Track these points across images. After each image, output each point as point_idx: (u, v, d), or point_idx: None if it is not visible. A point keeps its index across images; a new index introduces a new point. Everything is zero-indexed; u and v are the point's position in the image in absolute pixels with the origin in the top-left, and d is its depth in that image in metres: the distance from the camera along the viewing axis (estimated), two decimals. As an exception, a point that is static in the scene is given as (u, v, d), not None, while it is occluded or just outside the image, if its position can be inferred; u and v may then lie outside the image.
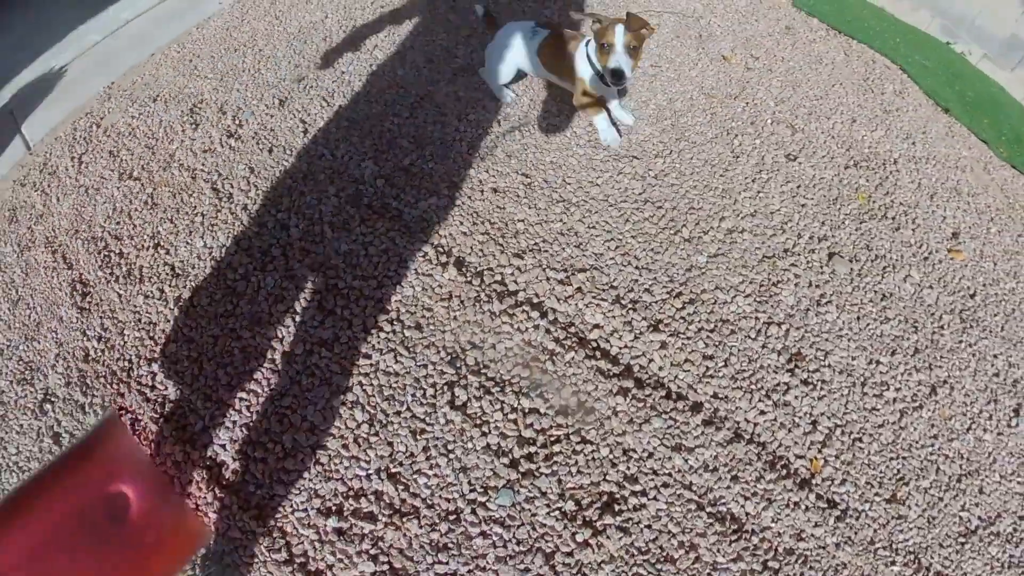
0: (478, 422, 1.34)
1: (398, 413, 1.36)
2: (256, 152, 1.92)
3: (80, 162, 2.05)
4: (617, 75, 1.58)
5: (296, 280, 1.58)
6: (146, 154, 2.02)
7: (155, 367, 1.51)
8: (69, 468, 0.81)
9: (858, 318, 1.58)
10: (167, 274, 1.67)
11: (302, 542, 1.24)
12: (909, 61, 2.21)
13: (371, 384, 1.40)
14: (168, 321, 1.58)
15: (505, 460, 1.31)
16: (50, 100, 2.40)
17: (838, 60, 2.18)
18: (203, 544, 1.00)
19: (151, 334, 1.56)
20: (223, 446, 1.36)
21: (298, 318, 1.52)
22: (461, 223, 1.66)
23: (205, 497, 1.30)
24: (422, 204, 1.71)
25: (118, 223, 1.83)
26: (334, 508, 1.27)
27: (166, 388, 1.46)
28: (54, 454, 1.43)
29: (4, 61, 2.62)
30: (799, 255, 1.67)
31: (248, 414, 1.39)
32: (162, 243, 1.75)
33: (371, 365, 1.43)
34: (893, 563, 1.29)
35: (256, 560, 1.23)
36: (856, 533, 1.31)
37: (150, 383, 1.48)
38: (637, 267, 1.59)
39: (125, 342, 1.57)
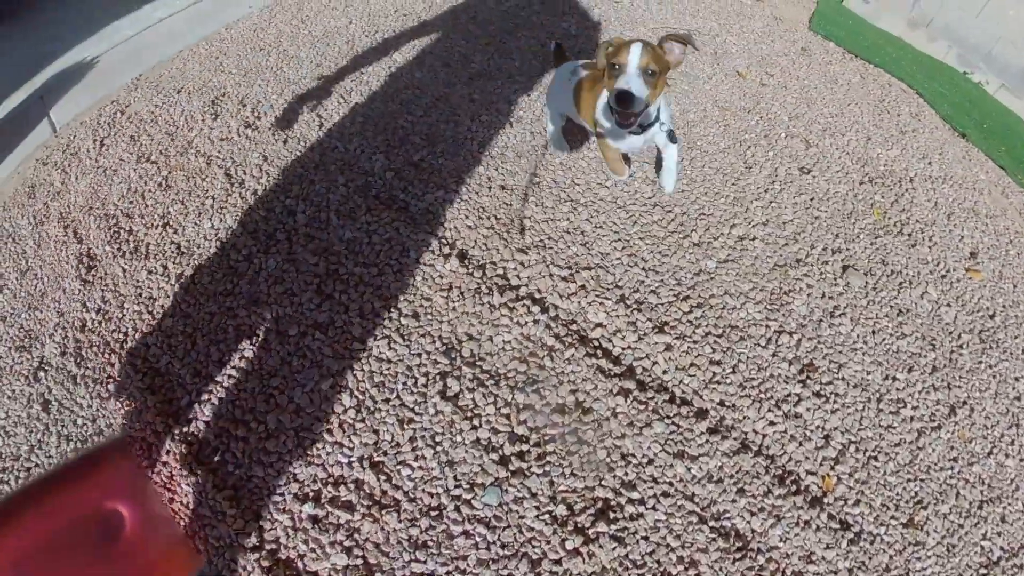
0: (469, 415, 1.29)
1: (387, 400, 1.32)
2: (271, 142, 1.95)
3: (101, 144, 2.11)
4: (623, 98, 1.21)
5: (297, 264, 1.57)
6: (165, 140, 2.06)
7: (149, 340, 1.49)
8: (67, 480, 0.81)
9: (873, 332, 1.52)
10: (172, 252, 1.67)
11: (275, 528, 1.19)
12: (925, 87, 2.20)
13: (362, 370, 1.36)
14: (168, 297, 1.57)
15: (495, 456, 1.24)
16: (79, 88, 2.49)
17: (854, 81, 2.18)
18: (193, 571, 0.98)
19: (150, 308, 1.56)
20: (206, 423, 1.32)
21: (296, 300, 1.50)
22: (467, 217, 1.65)
23: (180, 472, 1.26)
24: (429, 197, 1.71)
25: (131, 202, 1.86)
26: (311, 494, 1.22)
27: (157, 361, 1.44)
28: (42, 422, 1.40)
29: (39, 50, 2.74)
30: (812, 265, 1.62)
31: (235, 392, 1.36)
32: (171, 223, 1.76)
33: (364, 351, 1.39)
34: None
35: (222, 543, 1.17)
36: (870, 559, 1.21)
37: (142, 355, 1.46)
38: (644, 268, 1.55)
39: (123, 315, 1.56)
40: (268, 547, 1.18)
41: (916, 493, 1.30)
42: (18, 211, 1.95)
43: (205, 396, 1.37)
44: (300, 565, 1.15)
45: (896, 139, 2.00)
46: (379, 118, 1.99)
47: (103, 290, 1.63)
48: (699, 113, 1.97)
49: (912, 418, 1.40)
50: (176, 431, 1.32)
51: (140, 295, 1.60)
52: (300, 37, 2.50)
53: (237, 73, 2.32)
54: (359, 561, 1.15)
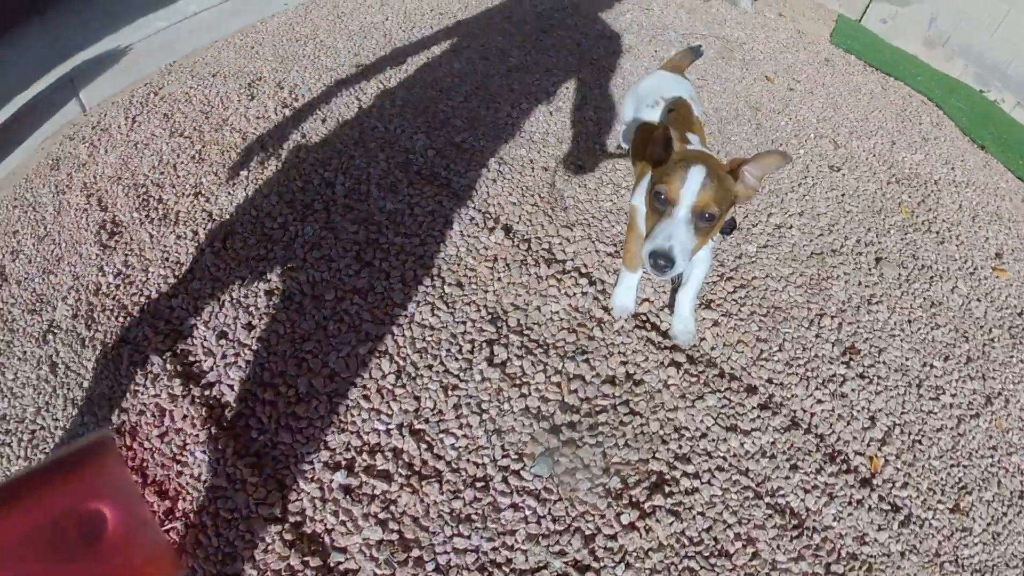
0: (518, 382, 1.27)
1: (429, 367, 1.29)
2: (309, 120, 1.96)
3: (133, 121, 2.10)
4: (658, 261, 0.89)
5: (336, 231, 1.56)
6: (199, 118, 2.06)
7: (173, 303, 1.45)
8: (49, 477, 0.78)
9: (909, 321, 1.53)
10: (204, 219, 1.65)
11: (301, 499, 1.12)
12: (944, 102, 2.28)
13: (403, 335, 1.34)
14: (196, 261, 1.54)
15: (545, 425, 1.22)
16: (111, 73, 2.49)
17: (876, 91, 2.26)
18: None
19: (176, 272, 1.52)
20: (230, 386, 1.28)
21: (333, 265, 1.48)
22: (510, 194, 1.66)
23: (197, 436, 1.20)
24: (471, 174, 1.72)
25: (162, 173, 1.84)
26: (344, 463, 1.17)
27: (181, 324, 1.40)
28: (49, 384, 1.36)
29: (71, 37, 2.75)
30: (847, 256, 1.64)
31: (264, 355, 1.32)
32: (203, 192, 1.75)
33: (405, 317, 1.37)
34: None
35: (239, 515, 1.10)
36: (921, 543, 1.19)
37: (165, 317, 1.42)
38: (685, 250, 1.56)
39: (147, 278, 1.52)
40: (292, 519, 1.10)
41: (960, 479, 1.29)
42: (40, 181, 1.92)
43: (231, 359, 1.33)
44: (327, 540, 1.07)
45: (919, 145, 2.06)
46: (419, 102, 2.01)
47: (126, 255, 1.59)
48: (731, 111, 2.03)
49: (951, 405, 1.40)
50: (196, 394, 1.27)
51: (167, 259, 1.57)
52: (336, 31, 2.54)
53: (273, 60, 2.35)
54: (394, 535, 1.08)
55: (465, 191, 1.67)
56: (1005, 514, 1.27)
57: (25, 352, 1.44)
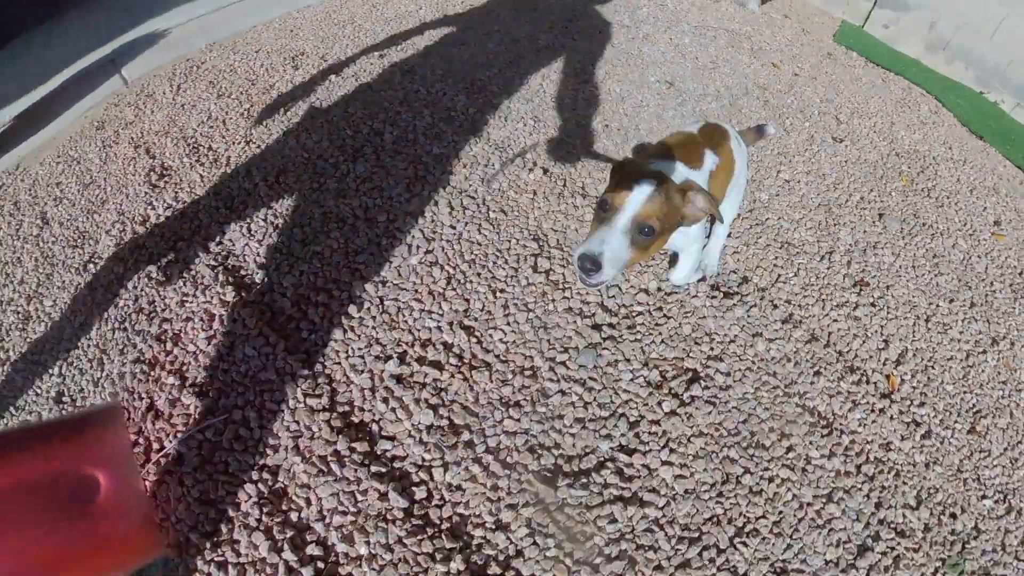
0: (561, 287, 1.37)
1: (478, 275, 1.39)
2: (355, 85, 2.12)
3: (178, 88, 2.22)
4: (586, 264, 0.89)
5: (387, 168, 1.69)
6: (245, 84, 2.20)
7: (225, 228, 1.56)
8: (54, 436, 0.84)
9: (913, 266, 1.65)
10: (255, 160, 1.77)
11: (350, 390, 1.20)
12: (944, 98, 2.44)
13: (453, 249, 1.45)
14: (249, 194, 1.65)
15: (588, 322, 1.31)
16: (150, 52, 2.60)
17: (876, 83, 2.45)
18: (155, 555, 0.96)
19: (228, 204, 1.63)
20: (283, 293, 1.37)
21: (385, 194, 1.60)
22: (547, 144, 1.80)
23: (247, 335, 1.28)
24: (509, 127, 1.86)
25: (211, 127, 1.97)
26: (396, 354, 1.25)
27: (233, 244, 1.50)
28: (86, 305, 1.44)
29: (112, 23, 2.89)
30: (852, 208, 1.77)
31: (317, 266, 1.43)
32: (254, 141, 1.88)
33: (455, 233, 1.48)
34: (984, 497, 1.23)
35: (284, 403, 1.17)
36: (944, 457, 1.27)
37: (217, 239, 1.52)
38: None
39: (198, 209, 1.63)
40: (340, 409, 1.17)
41: (974, 404, 1.38)
42: (84, 141, 2.03)
43: (285, 269, 1.43)
44: (375, 428, 1.14)
45: (918, 127, 2.23)
46: (458, 72, 2.18)
47: (176, 192, 1.70)
48: (742, 89, 2.20)
49: (959, 339, 1.50)
50: (248, 299, 1.37)
51: (218, 194, 1.68)
52: (372, 18, 2.74)
53: (314, 39, 2.53)
54: (444, 421, 1.16)
55: (504, 141, 1.81)
56: (1020, 442, 1.34)
57: (64, 282, 1.52)
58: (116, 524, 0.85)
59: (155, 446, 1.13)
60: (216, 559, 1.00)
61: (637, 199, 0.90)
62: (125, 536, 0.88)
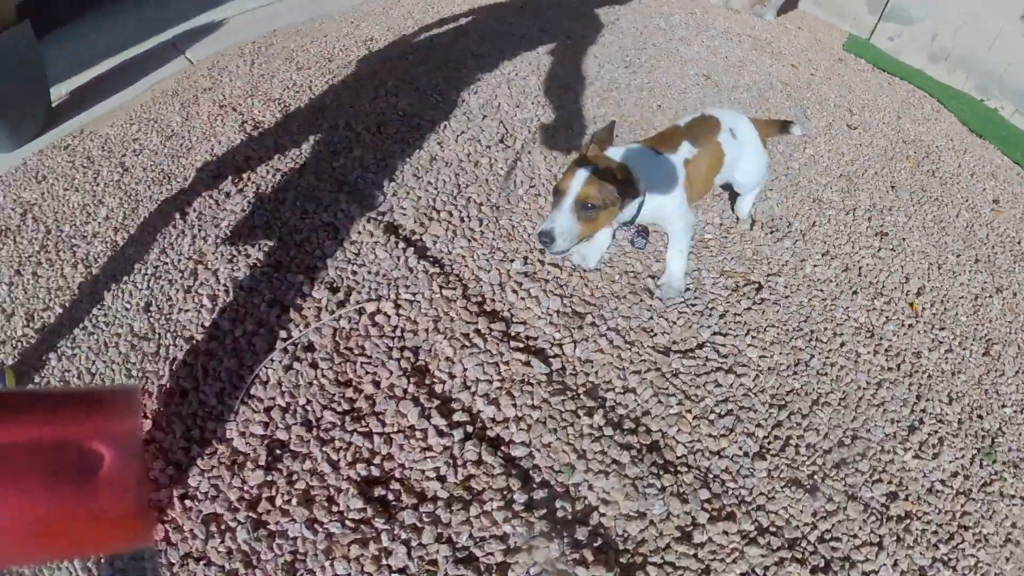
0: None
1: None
2: (434, 62, 2.36)
3: (252, 63, 2.40)
4: (543, 238, 1.12)
5: (480, 128, 1.93)
6: (323, 60, 2.43)
7: (336, 164, 1.78)
8: (70, 404, 0.85)
9: (923, 227, 1.87)
10: (351, 115, 2.01)
11: (480, 284, 1.41)
12: (947, 102, 2.70)
13: (551, 185, 1.66)
14: (353, 141, 1.88)
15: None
16: (212, 38, 2.72)
17: (884, 85, 2.73)
18: (143, 543, 0.97)
19: (334, 149, 1.85)
20: (403, 212, 1.59)
21: (481, 145, 1.84)
22: (615, 115, 2.05)
23: (376, 241, 1.48)
24: (579, 104, 2.12)
25: (297, 92, 2.19)
26: (518, 258, 1.48)
27: (345, 175, 1.72)
28: (177, 228, 1.62)
29: (168, 13, 3.03)
30: (868, 180, 2.01)
31: (432, 192, 1.64)
32: (344, 102, 2.10)
33: (551, 174, 1.70)
34: (1004, 406, 1.40)
35: (420, 295, 1.36)
36: (965, 370, 1.46)
37: (330, 174, 1.74)
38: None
39: (303, 151, 1.85)
40: (474, 299, 1.36)
41: (986, 334, 1.57)
42: (158, 106, 2.14)
43: (402, 195, 1.64)
44: (508, 315, 1.30)
45: (921, 121, 2.50)
46: (530, 58, 2.45)
47: (276, 139, 1.90)
48: (767, 85, 2.48)
49: (967, 284, 1.71)
50: (372, 215, 1.57)
51: (321, 141, 1.90)
52: (429, 13, 3.03)
53: (382, 27, 2.78)
54: (568, 308, 1.36)
55: (577, 114, 2.06)
56: (1030, 369, 1.53)
57: (150, 211, 1.66)
58: (113, 501, 0.84)
59: (282, 334, 1.30)
60: (359, 430, 1.11)
61: (576, 183, 1.14)
62: (119, 516, 0.87)
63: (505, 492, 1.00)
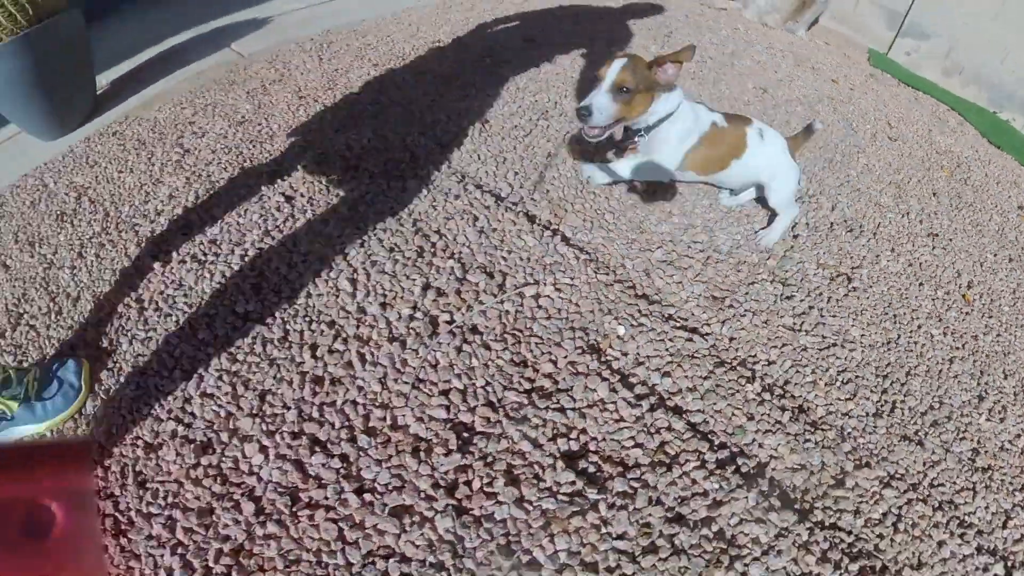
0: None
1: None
2: (507, 58, 2.53)
3: (320, 58, 2.50)
4: (581, 112, 1.36)
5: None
6: (395, 59, 2.54)
7: (449, 156, 1.96)
8: (17, 460, 0.72)
9: (963, 229, 2.12)
10: (459, 114, 2.16)
11: (627, 270, 1.59)
12: (966, 115, 2.95)
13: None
14: (456, 137, 2.03)
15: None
16: (257, 35, 2.76)
17: (911, 99, 3.00)
18: None
19: (440, 142, 2.01)
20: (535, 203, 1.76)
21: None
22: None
23: (518, 228, 1.66)
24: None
25: (379, 88, 2.31)
26: (656, 248, 1.67)
27: (466, 167, 1.89)
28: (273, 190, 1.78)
29: (212, 9, 3.07)
30: (914, 187, 2.26)
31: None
32: (441, 100, 2.26)
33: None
34: None
35: (576, 279, 1.53)
36: (1012, 352, 1.69)
37: (446, 165, 1.91)
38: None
39: (417, 137, 2.00)
40: (626, 283, 1.55)
41: (1024, 324, 1.83)
42: (214, 94, 2.19)
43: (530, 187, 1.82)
44: (658, 298, 1.51)
45: (949, 134, 2.77)
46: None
47: (376, 126, 2.05)
48: (816, 98, 2.72)
49: (1006, 279, 1.96)
50: (505, 204, 1.75)
51: (425, 133, 2.05)
52: (495, 13, 3.16)
53: (447, 28, 2.91)
54: (709, 293, 1.56)
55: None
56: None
57: (233, 193, 1.72)
58: (63, 566, 0.74)
59: (443, 318, 1.39)
60: (552, 406, 1.20)
61: (614, 69, 1.39)
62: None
63: (698, 454, 1.18)
